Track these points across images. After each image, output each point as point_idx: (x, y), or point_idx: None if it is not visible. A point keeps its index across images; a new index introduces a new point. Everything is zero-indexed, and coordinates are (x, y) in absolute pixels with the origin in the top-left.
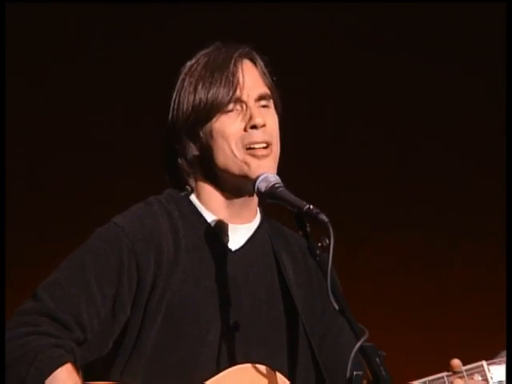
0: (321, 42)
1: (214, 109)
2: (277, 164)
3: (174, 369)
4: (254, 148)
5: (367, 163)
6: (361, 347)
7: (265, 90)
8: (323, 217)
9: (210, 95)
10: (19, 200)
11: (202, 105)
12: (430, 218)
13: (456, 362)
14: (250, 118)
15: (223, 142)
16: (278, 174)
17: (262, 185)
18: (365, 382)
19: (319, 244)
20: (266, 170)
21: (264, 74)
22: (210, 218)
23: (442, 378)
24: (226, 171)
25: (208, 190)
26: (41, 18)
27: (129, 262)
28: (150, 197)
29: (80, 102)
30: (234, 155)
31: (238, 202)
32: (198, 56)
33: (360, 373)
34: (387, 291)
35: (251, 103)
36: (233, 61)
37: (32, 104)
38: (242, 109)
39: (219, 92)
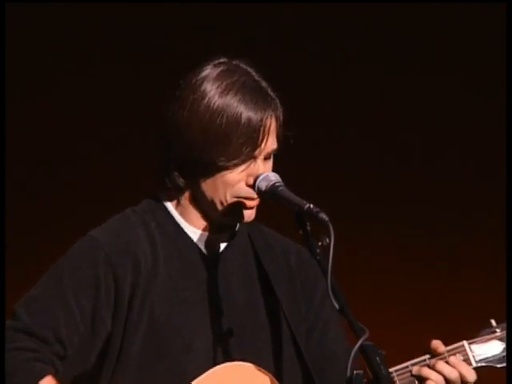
0: (321, 43)
1: (228, 158)
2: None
3: (161, 378)
4: (244, 198)
5: (366, 163)
6: (361, 346)
7: (275, 145)
8: (323, 216)
9: (231, 141)
10: (19, 200)
11: (217, 148)
12: (429, 217)
13: (436, 342)
14: (254, 176)
15: (220, 185)
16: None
17: (262, 184)
18: (365, 380)
19: (319, 243)
20: (247, 218)
21: (280, 128)
22: (187, 228)
23: (424, 360)
24: (211, 205)
25: (189, 205)
26: (41, 18)
27: (105, 275)
28: (127, 208)
29: (80, 102)
30: (225, 199)
31: (217, 220)
32: (224, 83)
33: (360, 372)
34: (386, 289)
35: (259, 160)
36: (265, 115)
37: (32, 104)
38: (250, 162)
39: (243, 141)
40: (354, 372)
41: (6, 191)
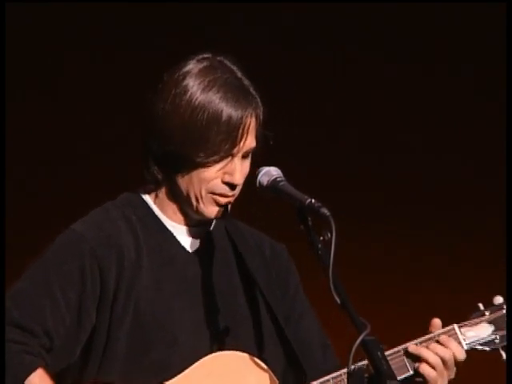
0: (321, 43)
1: (206, 155)
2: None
3: (148, 370)
4: (218, 195)
5: (366, 163)
6: (362, 341)
7: (254, 144)
8: (325, 211)
9: (209, 138)
10: (19, 200)
11: (197, 144)
12: (429, 216)
13: (436, 321)
14: (231, 173)
15: (196, 180)
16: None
17: (263, 179)
18: (366, 375)
19: (321, 238)
20: (219, 215)
21: (259, 127)
22: (166, 221)
23: (416, 344)
24: (186, 199)
25: (166, 199)
26: (41, 18)
27: (91, 268)
28: (106, 203)
29: (80, 102)
30: (200, 194)
31: (193, 214)
32: (207, 79)
33: (362, 366)
34: (386, 287)
35: (237, 158)
36: (246, 113)
37: (32, 104)
38: (228, 160)
39: (222, 139)
40: (355, 366)
41: (6, 191)
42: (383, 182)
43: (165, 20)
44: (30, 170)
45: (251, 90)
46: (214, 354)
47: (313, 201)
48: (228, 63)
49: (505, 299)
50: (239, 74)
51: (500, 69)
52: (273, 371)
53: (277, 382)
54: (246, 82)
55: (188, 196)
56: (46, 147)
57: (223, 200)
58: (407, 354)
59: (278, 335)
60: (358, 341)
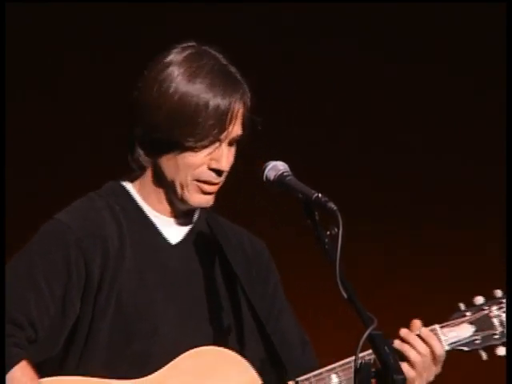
0: (321, 42)
1: (195, 140)
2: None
3: (129, 361)
4: (203, 182)
5: (366, 163)
6: (369, 335)
7: (240, 131)
8: (332, 205)
9: (199, 123)
10: (19, 200)
11: (185, 130)
12: (429, 216)
13: (417, 322)
14: (217, 159)
15: (182, 166)
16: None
17: (270, 173)
18: (373, 370)
19: (328, 232)
20: (204, 203)
21: (247, 114)
22: (149, 212)
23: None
24: (171, 187)
25: (151, 187)
26: (41, 18)
27: (77, 259)
28: (90, 192)
29: (80, 102)
30: (185, 181)
31: (177, 203)
32: (200, 64)
33: (368, 361)
34: (386, 286)
35: (224, 144)
36: (233, 100)
37: (32, 104)
38: (215, 146)
39: (210, 125)
40: (362, 361)
41: (5, 191)
42: (382, 182)
43: (165, 20)
44: (30, 170)
45: (238, 76)
46: (195, 349)
47: (320, 195)
48: (212, 51)
49: (505, 298)
50: (224, 61)
51: (500, 69)
52: (254, 367)
53: (258, 378)
54: (233, 68)
55: (173, 183)
56: (46, 147)
57: (208, 188)
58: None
59: (259, 331)
60: (365, 335)
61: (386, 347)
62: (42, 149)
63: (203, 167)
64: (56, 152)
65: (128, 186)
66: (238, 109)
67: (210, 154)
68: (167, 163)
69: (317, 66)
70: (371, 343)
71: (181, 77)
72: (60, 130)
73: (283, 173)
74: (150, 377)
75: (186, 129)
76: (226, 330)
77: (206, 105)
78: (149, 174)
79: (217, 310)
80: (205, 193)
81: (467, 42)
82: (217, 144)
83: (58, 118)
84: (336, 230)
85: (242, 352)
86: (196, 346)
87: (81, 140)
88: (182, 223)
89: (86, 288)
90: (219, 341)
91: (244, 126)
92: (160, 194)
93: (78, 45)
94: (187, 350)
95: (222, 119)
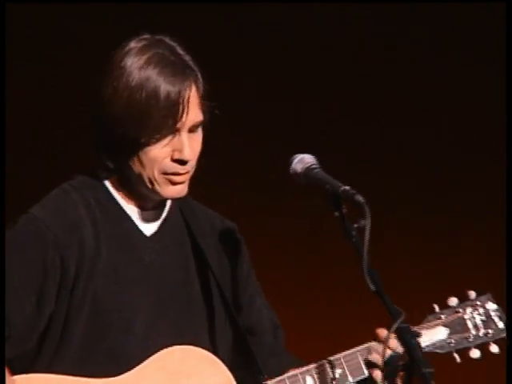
0: (321, 43)
1: (150, 133)
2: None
3: (103, 357)
4: (172, 174)
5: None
6: (397, 328)
7: (200, 117)
8: (359, 198)
9: (151, 115)
10: (19, 200)
11: (139, 124)
12: (428, 215)
13: (382, 331)
14: (179, 150)
15: (146, 162)
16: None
17: (297, 166)
18: (401, 363)
19: (355, 225)
20: (178, 194)
21: (203, 98)
22: (124, 205)
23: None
24: (141, 183)
25: (123, 182)
26: (41, 18)
27: (53, 257)
28: (64, 183)
29: (80, 101)
30: (152, 177)
31: (150, 196)
32: (144, 57)
33: (396, 354)
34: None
35: (184, 132)
36: (183, 87)
37: (32, 103)
38: (174, 136)
39: (163, 114)
40: (390, 354)
41: (5, 191)
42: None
43: (165, 20)
44: (30, 170)
45: (190, 63)
46: (170, 348)
47: (347, 188)
48: (167, 40)
49: (504, 297)
50: (178, 50)
51: (500, 69)
52: (225, 361)
53: (233, 380)
54: (186, 57)
55: (142, 179)
56: (46, 147)
57: (177, 179)
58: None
59: (231, 323)
60: (393, 328)
61: (413, 340)
62: (42, 149)
63: (167, 160)
64: (56, 152)
65: (104, 179)
66: (189, 96)
67: (170, 144)
68: (132, 162)
69: (317, 65)
70: (399, 336)
71: (132, 68)
72: (60, 130)
73: (311, 165)
74: (124, 376)
75: (140, 124)
76: (199, 324)
77: (157, 94)
78: (118, 172)
79: (189, 304)
80: (175, 184)
81: (467, 42)
82: (176, 134)
83: (58, 117)
84: (363, 222)
85: (214, 347)
86: (171, 343)
87: (81, 140)
88: (155, 215)
89: (62, 285)
90: (193, 335)
91: (203, 111)
92: (132, 187)
93: (78, 45)
94: (162, 346)
95: (173, 109)
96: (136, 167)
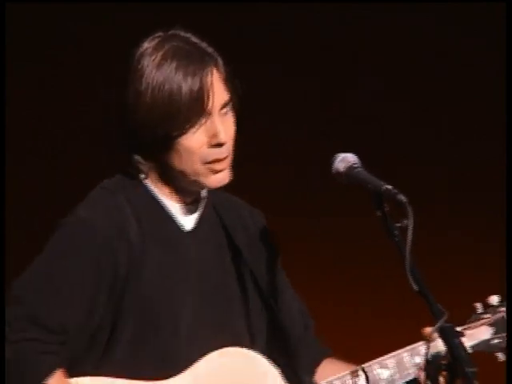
0: (321, 43)
1: (181, 125)
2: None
3: (150, 358)
4: (213, 162)
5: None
6: (440, 328)
7: (227, 97)
8: (402, 197)
9: (178, 109)
10: (19, 199)
11: (168, 121)
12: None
13: (427, 330)
14: (214, 134)
15: (186, 155)
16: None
17: (340, 165)
18: (444, 362)
19: (398, 224)
20: (221, 181)
21: (227, 79)
22: (164, 201)
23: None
24: (182, 177)
25: (160, 178)
26: (41, 18)
27: (106, 260)
28: (104, 182)
29: (80, 102)
30: (195, 169)
31: (188, 189)
32: (159, 54)
33: (438, 354)
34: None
35: (215, 115)
36: (203, 74)
37: (32, 103)
38: (206, 121)
39: (189, 107)
40: (433, 354)
41: (5, 191)
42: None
43: (165, 20)
44: (30, 170)
45: (207, 49)
46: (221, 351)
47: (389, 187)
48: (181, 33)
49: (503, 298)
50: (193, 39)
51: (500, 69)
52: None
53: None
54: (203, 44)
55: (185, 174)
56: (46, 147)
57: (219, 166)
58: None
59: (268, 318)
60: (436, 327)
61: (456, 340)
62: (42, 149)
63: (204, 148)
64: (56, 152)
65: (141, 177)
66: (212, 80)
67: (205, 132)
68: (170, 158)
69: (316, 66)
70: (442, 335)
71: (149, 69)
72: (60, 130)
73: (353, 165)
74: (175, 378)
75: (169, 121)
76: (238, 322)
77: (179, 88)
78: (154, 170)
79: (229, 301)
80: (217, 172)
81: (467, 42)
82: (207, 120)
83: (58, 117)
84: (406, 222)
85: (253, 345)
86: (213, 343)
87: (81, 140)
88: (193, 209)
89: (112, 288)
90: (234, 335)
91: (229, 91)
92: (172, 183)
93: (78, 45)
94: (205, 346)
95: (199, 98)
96: (176, 163)
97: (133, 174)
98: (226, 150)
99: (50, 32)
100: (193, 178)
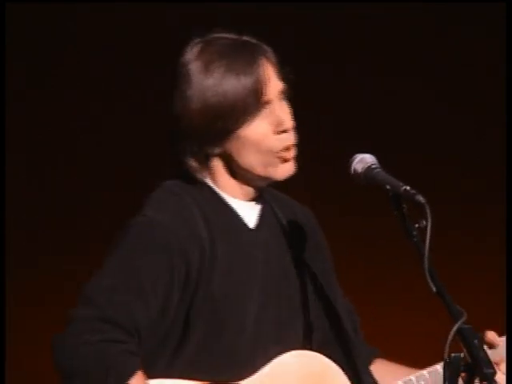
0: (321, 43)
1: (242, 115)
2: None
3: (218, 357)
4: (283, 151)
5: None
6: (459, 329)
7: (281, 85)
8: (421, 198)
9: (236, 101)
10: (19, 200)
11: (228, 110)
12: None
13: (492, 335)
14: (279, 121)
15: (254, 147)
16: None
17: (358, 166)
18: (463, 364)
19: (416, 225)
20: (288, 171)
21: (279, 69)
22: (228, 200)
23: None
24: (249, 171)
25: (224, 178)
26: (41, 18)
27: (179, 262)
28: (166, 183)
29: (81, 102)
30: (264, 160)
31: (251, 186)
32: (211, 51)
33: (459, 355)
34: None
35: (275, 102)
36: (257, 64)
37: (32, 103)
38: (268, 109)
39: (248, 97)
40: (452, 355)
41: (5, 191)
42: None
43: (165, 20)
44: (30, 170)
45: (252, 41)
46: (292, 353)
47: (408, 188)
48: (222, 34)
49: (504, 299)
50: (234, 36)
51: (500, 69)
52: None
53: None
54: (245, 37)
55: (253, 167)
56: (46, 147)
57: (288, 154)
58: None
59: (326, 316)
60: (455, 329)
61: (475, 341)
62: (42, 149)
63: (270, 137)
64: (56, 152)
65: (202, 176)
66: (264, 70)
67: (266, 119)
68: (236, 153)
69: (317, 66)
70: (461, 337)
71: (199, 76)
72: (60, 130)
73: (371, 165)
74: (249, 380)
75: (229, 118)
76: (298, 322)
77: (234, 87)
78: (216, 169)
79: (289, 300)
80: (286, 161)
81: (467, 42)
82: (266, 108)
83: (58, 117)
84: (425, 223)
85: (310, 343)
86: (275, 342)
87: (81, 140)
88: (254, 206)
89: (185, 290)
90: (294, 335)
91: (282, 79)
92: (233, 179)
93: (78, 45)
94: (271, 342)
95: (255, 89)
96: (244, 157)
97: (193, 175)
98: (293, 136)
99: (50, 32)
100: (260, 170)
